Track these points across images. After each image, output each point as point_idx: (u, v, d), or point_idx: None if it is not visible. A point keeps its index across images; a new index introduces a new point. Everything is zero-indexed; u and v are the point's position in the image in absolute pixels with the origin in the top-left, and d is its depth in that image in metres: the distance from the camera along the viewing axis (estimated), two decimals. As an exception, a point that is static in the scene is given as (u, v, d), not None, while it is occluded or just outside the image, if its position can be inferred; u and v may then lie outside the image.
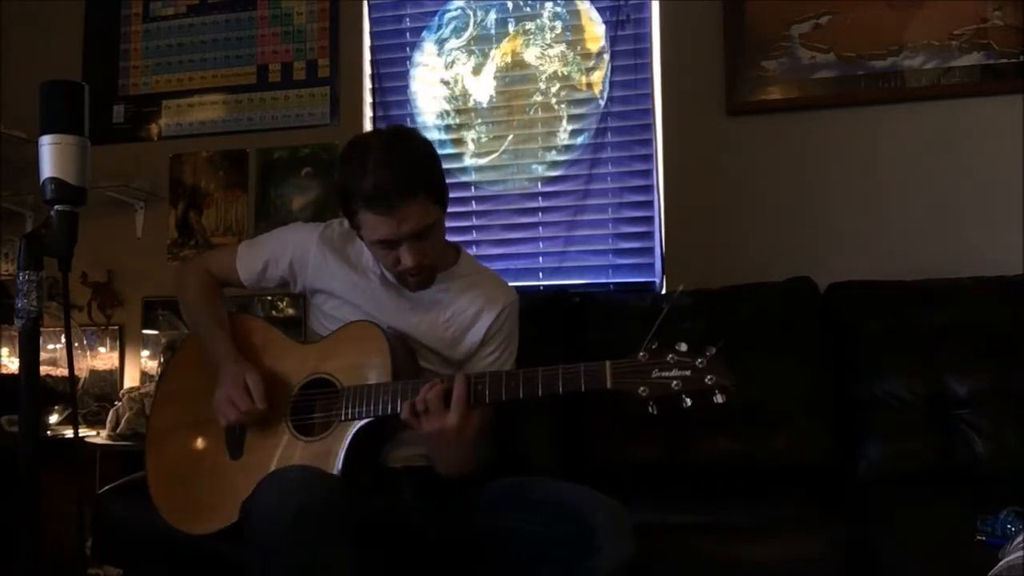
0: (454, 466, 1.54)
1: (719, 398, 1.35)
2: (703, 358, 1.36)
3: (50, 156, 1.21)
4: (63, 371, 2.97)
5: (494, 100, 2.89)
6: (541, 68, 2.86)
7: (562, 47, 2.85)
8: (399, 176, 1.50)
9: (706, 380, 1.34)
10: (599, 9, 2.81)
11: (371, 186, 1.50)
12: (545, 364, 1.46)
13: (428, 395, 1.46)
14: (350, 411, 1.54)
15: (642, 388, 1.37)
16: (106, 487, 1.91)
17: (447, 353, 1.69)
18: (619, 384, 1.38)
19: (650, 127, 2.73)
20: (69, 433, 2.72)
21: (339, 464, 1.51)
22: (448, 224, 2.86)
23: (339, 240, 1.74)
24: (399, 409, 1.50)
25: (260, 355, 1.69)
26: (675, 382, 1.35)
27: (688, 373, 1.35)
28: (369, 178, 1.50)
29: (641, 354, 1.38)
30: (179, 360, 1.84)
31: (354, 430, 1.53)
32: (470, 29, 2.92)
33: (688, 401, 1.36)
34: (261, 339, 1.72)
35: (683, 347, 1.37)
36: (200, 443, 1.68)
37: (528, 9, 2.88)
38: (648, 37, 2.75)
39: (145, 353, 3.05)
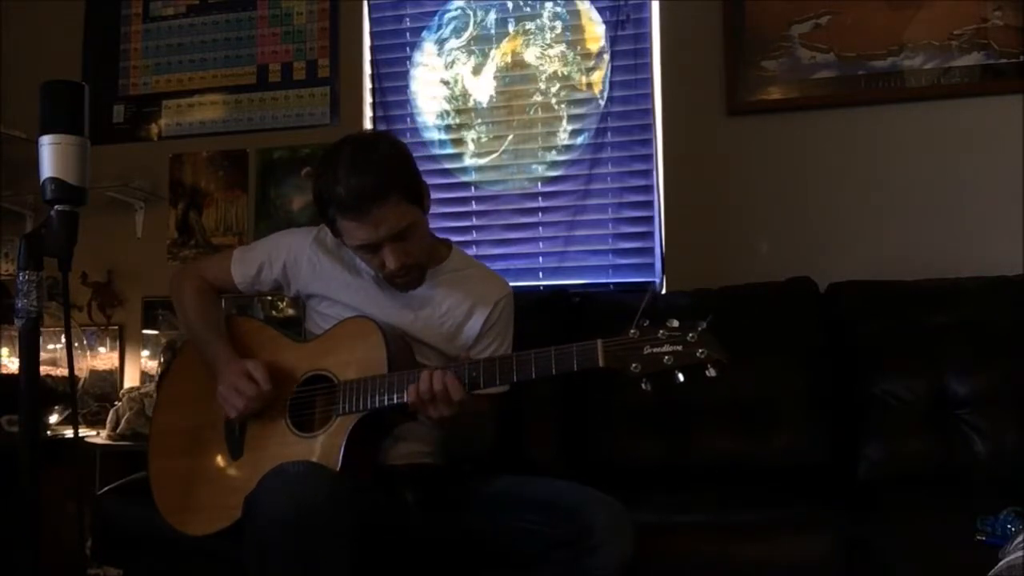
0: (464, 439, 1.56)
1: (711, 372, 1.34)
2: (694, 333, 1.35)
3: (50, 156, 1.22)
4: (63, 371, 2.97)
5: (494, 100, 2.89)
6: (541, 68, 2.85)
7: (562, 47, 2.84)
8: (369, 181, 1.51)
9: (697, 354, 1.34)
10: (599, 9, 2.81)
11: (343, 193, 1.51)
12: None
13: (434, 380, 1.45)
14: (348, 405, 1.54)
15: (634, 365, 1.36)
16: (106, 487, 1.92)
17: (444, 348, 1.69)
18: (611, 362, 1.37)
19: (650, 127, 2.72)
20: (69, 433, 2.71)
21: (340, 459, 1.51)
22: (448, 224, 2.84)
23: (333, 242, 1.74)
24: (395, 400, 1.50)
25: (257, 355, 1.68)
26: (667, 357, 1.34)
27: (680, 348, 1.35)
28: (340, 185, 1.51)
29: (632, 331, 1.37)
30: (180, 363, 1.84)
31: (353, 424, 1.53)
32: (470, 29, 2.92)
33: (681, 376, 1.35)
34: (257, 339, 1.73)
35: (674, 323, 1.36)
36: (201, 445, 1.68)
37: (528, 9, 2.88)
38: (648, 37, 2.75)
39: (145, 353, 3.05)
